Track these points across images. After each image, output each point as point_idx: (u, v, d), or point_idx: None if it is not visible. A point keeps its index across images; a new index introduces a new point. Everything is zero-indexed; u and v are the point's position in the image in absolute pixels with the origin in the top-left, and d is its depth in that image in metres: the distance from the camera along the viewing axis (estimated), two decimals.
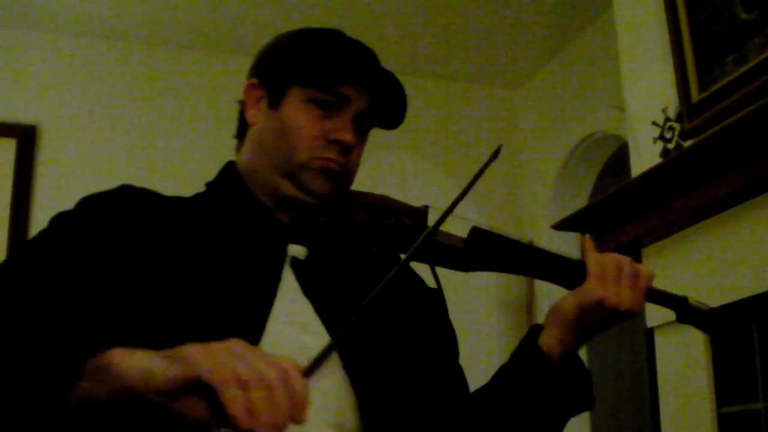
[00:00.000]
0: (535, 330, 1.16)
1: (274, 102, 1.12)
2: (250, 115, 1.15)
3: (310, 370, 0.77)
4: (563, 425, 1.15)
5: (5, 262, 1.02)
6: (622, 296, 1.08)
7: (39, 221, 3.31)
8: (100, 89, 3.58)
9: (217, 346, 0.76)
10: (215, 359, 0.73)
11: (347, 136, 1.09)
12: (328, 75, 1.09)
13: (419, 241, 0.98)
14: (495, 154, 1.01)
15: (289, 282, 1.07)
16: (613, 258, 1.10)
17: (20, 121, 3.44)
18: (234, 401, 0.70)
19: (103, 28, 3.53)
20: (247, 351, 0.75)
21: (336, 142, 1.09)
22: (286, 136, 1.09)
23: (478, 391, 1.19)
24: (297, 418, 0.73)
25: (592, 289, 1.08)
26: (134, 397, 0.77)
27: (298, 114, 1.10)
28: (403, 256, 1.14)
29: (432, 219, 1.10)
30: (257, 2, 3.37)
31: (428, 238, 0.99)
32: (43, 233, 1.03)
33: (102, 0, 3.34)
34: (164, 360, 0.77)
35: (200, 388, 0.73)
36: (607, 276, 1.08)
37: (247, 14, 3.43)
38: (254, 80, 1.16)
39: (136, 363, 0.78)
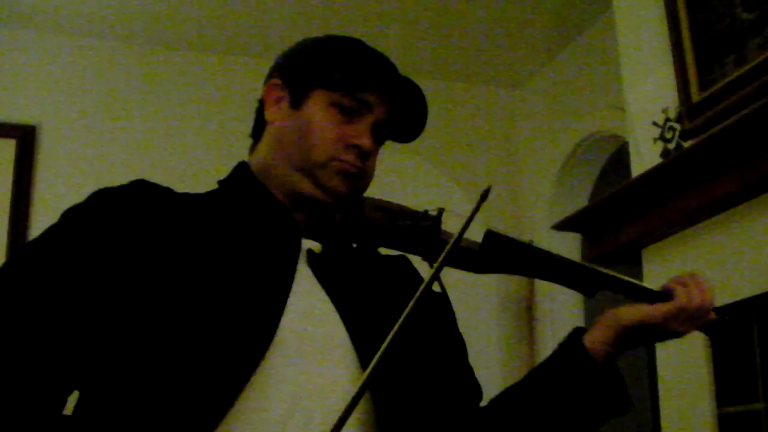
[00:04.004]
0: (578, 332, 1.15)
1: (296, 102, 1.13)
2: (269, 114, 1.16)
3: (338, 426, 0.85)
4: (599, 428, 1.15)
5: (16, 260, 1.03)
6: (684, 326, 1.11)
7: (39, 221, 3.31)
8: (100, 89, 3.58)
9: None
10: None
11: (366, 142, 1.10)
12: (353, 80, 1.11)
13: (443, 256, 0.95)
14: (484, 196, 0.98)
15: (304, 274, 1.07)
16: (697, 305, 1.09)
17: (20, 121, 3.44)
18: None
19: (103, 28, 3.53)
20: None
21: (355, 146, 1.10)
22: (307, 134, 1.10)
23: (511, 387, 1.18)
24: None
25: (660, 316, 1.10)
26: None
27: (320, 115, 1.11)
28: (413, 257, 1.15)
29: (446, 222, 1.10)
30: (258, 3, 3.36)
31: (450, 254, 0.96)
32: (54, 229, 1.04)
33: (102, 0, 3.34)
34: None
35: None
36: (685, 314, 1.10)
37: (248, 15, 3.43)
38: (277, 80, 1.16)
39: None
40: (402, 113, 1.15)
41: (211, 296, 0.98)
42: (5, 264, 1.03)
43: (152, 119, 3.61)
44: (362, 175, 1.12)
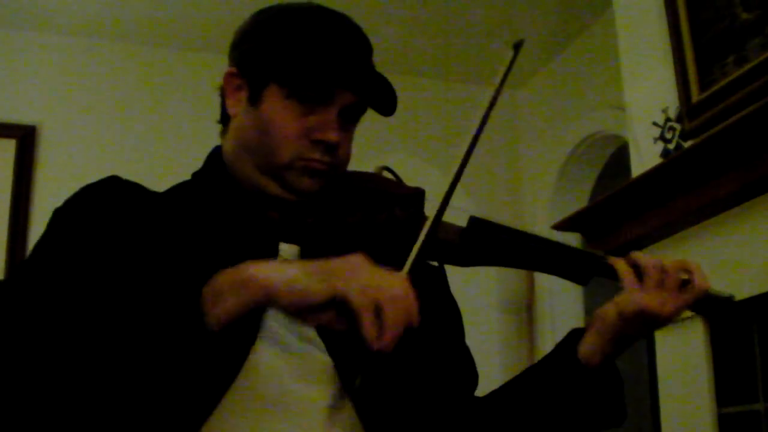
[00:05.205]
0: (574, 335, 1.10)
1: (254, 97, 1.07)
2: (230, 106, 1.12)
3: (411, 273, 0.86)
4: None
5: (26, 277, 0.97)
6: (664, 305, 1.03)
7: (39, 221, 3.31)
8: (100, 89, 3.58)
9: (352, 263, 0.82)
10: (360, 279, 0.80)
11: (332, 136, 1.03)
12: (310, 77, 1.03)
13: (415, 253, 0.91)
14: (517, 47, 0.97)
15: None
16: (653, 264, 1.03)
17: (20, 121, 3.44)
18: (370, 326, 0.79)
19: (103, 28, 3.53)
20: (376, 270, 0.82)
21: (320, 142, 1.03)
22: (267, 135, 1.04)
23: (501, 388, 1.14)
24: (411, 323, 0.81)
25: (632, 297, 1.03)
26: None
27: (280, 112, 1.04)
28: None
29: (428, 206, 1.03)
30: (258, 4, 3.36)
31: (423, 248, 0.92)
32: (46, 236, 1.01)
33: (102, 0, 3.34)
34: (308, 274, 0.82)
35: (340, 303, 0.80)
36: (647, 283, 1.03)
37: (248, 14, 3.43)
38: (233, 69, 1.11)
39: (279, 274, 0.82)
40: (369, 97, 1.07)
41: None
42: (11, 279, 0.98)
43: (152, 119, 3.61)
44: (333, 169, 1.05)
